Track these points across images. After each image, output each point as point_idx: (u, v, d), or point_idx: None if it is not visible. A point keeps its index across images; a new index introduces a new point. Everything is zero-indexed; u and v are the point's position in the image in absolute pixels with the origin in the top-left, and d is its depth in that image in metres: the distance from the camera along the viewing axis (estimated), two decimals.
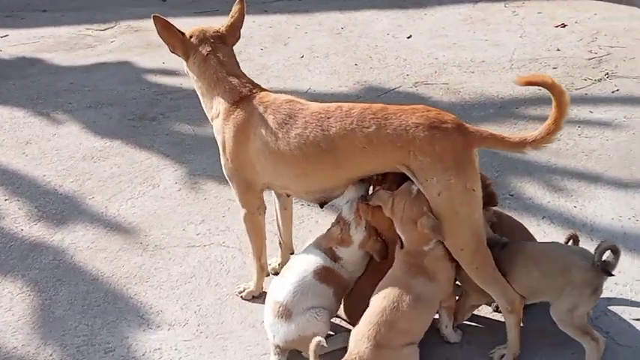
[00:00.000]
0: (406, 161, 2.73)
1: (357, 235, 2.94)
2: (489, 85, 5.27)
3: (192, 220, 3.92)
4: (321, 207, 3.14)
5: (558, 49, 5.74)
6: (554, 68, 5.41)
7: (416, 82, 5.42)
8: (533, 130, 2.68)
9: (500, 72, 5.47)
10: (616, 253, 2.72)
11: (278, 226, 3.43)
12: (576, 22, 6.22)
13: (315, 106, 2.94)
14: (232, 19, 3.17)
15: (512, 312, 2.78)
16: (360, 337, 2.75)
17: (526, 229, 3.20)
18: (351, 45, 6.31)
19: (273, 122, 2.90)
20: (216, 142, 3.11)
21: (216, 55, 3.09)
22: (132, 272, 3.53)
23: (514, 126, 4.62)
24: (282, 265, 3.40)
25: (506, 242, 2.91)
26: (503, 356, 2.85)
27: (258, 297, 3.28)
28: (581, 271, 2.71)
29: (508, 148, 2.75)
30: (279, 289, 2.98)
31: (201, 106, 3.18)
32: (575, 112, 4.65)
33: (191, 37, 3.10)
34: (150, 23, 3.03)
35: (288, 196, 3.32)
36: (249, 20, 4.26)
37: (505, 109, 4.89)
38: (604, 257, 2.69)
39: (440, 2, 7.17)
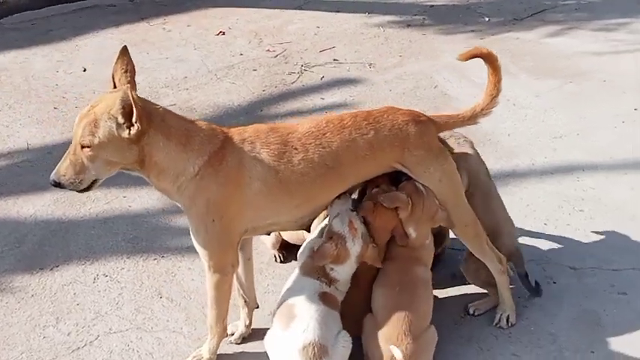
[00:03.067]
0: (401, 159, 2.91)
1: (355, 247, 2.91)
2: (215, 96, 5.41)
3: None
4: (308, 231, 3.06)
5: (241, 54, 6.14)
6: (255, 70, 5.81)
7: None
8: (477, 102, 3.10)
9: (213, 83, 5.63)
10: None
11: (240, 282, 3.17)
12: (230, 29, 6.68)
13: (303, 125, 2.85)
14: (127, 72, 2.73)
15: (503, 273, 3.20)
16: (394, 337, 2.83)
17: None
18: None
19: (269, 156, 2.72)
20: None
21: (166, 110, 2.71)
22: None
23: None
24: (249, 326, 3.20)
25: None
26: (508, 317, 3.23)
27: None
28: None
29: (466, 123, 3.12)
30: (302, 331, 2.78)
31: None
32: (310, 103, 5.26)
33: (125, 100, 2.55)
34: None
35: (268, 234, 3.12)
36: None
37: (249, 113, 5.13)
38: None
39: (75, 33, 6.76)
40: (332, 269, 2.91)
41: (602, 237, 3.80)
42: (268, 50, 6.17)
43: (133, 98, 2.46)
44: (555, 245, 3.76)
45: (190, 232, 2.81)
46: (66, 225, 4.01)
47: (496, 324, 3.23)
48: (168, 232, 3.94)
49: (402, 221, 3.00)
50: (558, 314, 3.30)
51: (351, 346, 2.83)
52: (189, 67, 5.90)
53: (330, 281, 2.94)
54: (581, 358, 3.06)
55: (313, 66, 5.86)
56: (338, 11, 7.06)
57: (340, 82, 5.59)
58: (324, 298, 2.88)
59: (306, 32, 6.55)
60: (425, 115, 3.00)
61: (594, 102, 5.20)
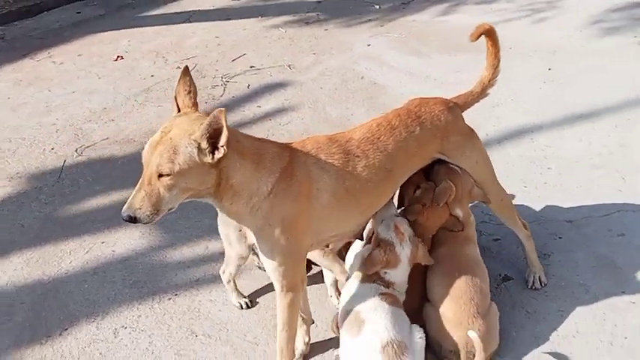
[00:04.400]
0: (441, 148, 2.99)
1: (404, 251, 2.93)
2: (147, 122, 5.21)
3: None
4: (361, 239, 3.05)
5: (152, 75, 5.89)
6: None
7: (77, 148, 4.88)
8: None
9: (137, 109, 5.40)
10: None
11: None
12: (127, 52, 6.38)
13: (356, 132, 2.83)
14: (190, 93, 2.62)
15: (530, 238, 3.36)
16: (466, 322, 2.91)
17: None
18: None
19: (335, 167, 2.69)
20: None
21: (236, 129, 2.61)
22: None
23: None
24: (308, 343, 3.14)
25: None
26: (539, 278, 3.38)
27: None
28: None
29: (480, 98, 3.24)
30: (376, 333, 2.77)
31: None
32: (249, 113, 5.22)
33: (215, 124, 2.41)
34: None
35: (327, 246, 3.05)
36: None
37: None
38: None
39: None
40: (386, 273, 2.92)
41: (578, 188, 4.09)
42: (179, 67, 5.95)
43: (225, 121, 2.32)
44: (544, 204, 3.98)
45: (261, 254, 2.71)
46: (52, 285, 3.68)
47: (531, 286, 3.38)
48: (168, 268, 3.73)
49: (449, 205, 3.06)
50: (578, 265, 3.52)
51: (425, 337, 2.85)
52: (103, 97, 5.58)
53: (387, 284, 2.94)
54: (616, 300, 3.28)
55: (233, 76, 5.75)
56: (228, 19, 6.96)
57: (269, 88, 5.53)
58: (387, 298, 2.88)
59: (208, 44, 6.40)
60: (452, 101, 3.09)
61: (511, 69, 5.52)
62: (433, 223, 3.07)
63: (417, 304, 3.09)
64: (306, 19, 6.81)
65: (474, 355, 2.84)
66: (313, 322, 3.21)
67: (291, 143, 2.77)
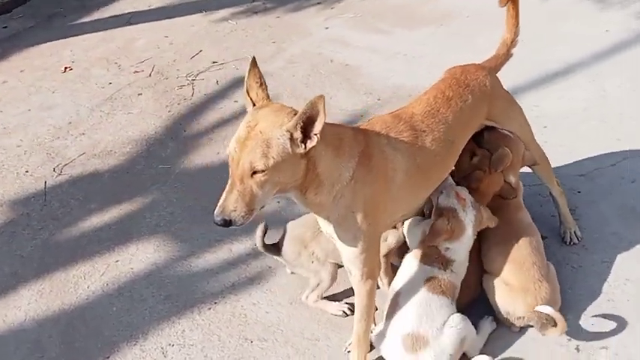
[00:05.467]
0: (489, 114, 3.00)
1: (468, 216, 2.92)
2: (122, 132, 4.94)
3: None
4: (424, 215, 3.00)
5: (110, 83, 5.62)
6: (140, 94, 5.37)
7: (55, 168, 4.58)
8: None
9: (107, 119, 5.12)
10: None
11: None
12: (73, 62, 6.04)
13: (416, 107, 2.78)
14: (262, 85, 2.51)
15: (563, 193, 3.41)
16: (532, 287, 2.94)
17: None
18: None
19: (406, 145, 2.64)
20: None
21: None
22: None
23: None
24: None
25: None
26: (575, 232, 3.44)
27: None
28: None
29: (506, 59, 3.25)
30: (401, 322, 2.80)
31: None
32: (227, 109, 5.05)
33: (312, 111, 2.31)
34: None
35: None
36: None
37: (175, 138, 4.79)
38: None
39: None
40: (447, 249, 2.89)
41: (578, 142, 4.19)
42: (136, 72, 5.70)
43: (324, 108, 2.21)
44: (552, 162, 4.03)
45: (342, 243, 2.62)
46: (76, 313, 3.46)
47: (569, 242, 3.44)
48: (197, 278, 3.58)
49: (503, 172, 3.06)
50: (604, 216, 3.61)
51: (465, 328, 2.82)
52: (64, 111, 5.26)
53: (446, 264, 2.90)
54: None
55: (198, 74, 5.55)
56: (171, 17, 6.70)
57: (239, 82, 5.34)
58: (431, 286, 2.86)
59: (159, 45, 6.15)
60: (488, 66, 3.08)
61: (473, 37, 5.60)
62: (490, 190, 3.07)
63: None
64: (253, 9, 6.65)
65: (546, 319, 2.85)
66: (377, 309, 3.12)
67: (360, 125, 2.69)
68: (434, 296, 2.85)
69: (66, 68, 5.89)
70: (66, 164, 4.59)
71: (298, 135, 2.27)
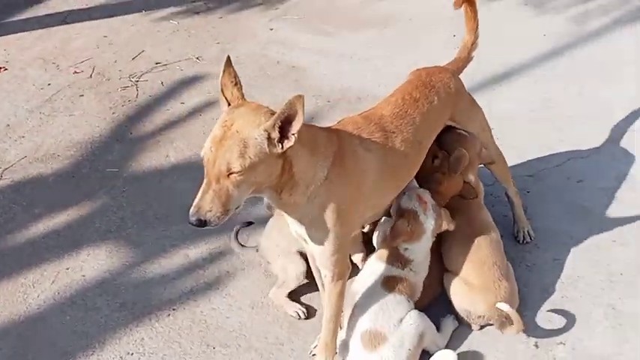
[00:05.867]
0: (452, 115, 3.06)
1: (428, 220, 2.97)
2: (65, 134, 4.78)
3: None
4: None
5: (49, 84, 5.42)
6: (82, 96, 5.22)
7: None
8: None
9: (48, 122, 4.94)
10: None
11: (323, 285, 3.00)
12: (7, 62, 5.81)
13: (385, 108, 2.82)
14: (237, 84, 2.49)
15: (517, 194, 3.51)
16: (492, 285, 3.00)
17: None
18: None
19: (377, 145, 2.67)
20: None
21: None
22: None
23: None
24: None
25: None
26: (528, 231, 3.53)
27: None
28: None
29: (468, 62, 3.30)
30: (360, 319, 2.85)
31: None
32: (174, 111, 4.97)
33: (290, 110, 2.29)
34: None
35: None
36: None
37: (121, 140, 4.67)
38: None
39: None
40: (406, 249, 2.93)
41: (524, 143, 4.30)
42: (76, 72, 5.53)
43: (303, 108, 2.19)
44: None
45: (314, 244, 2.62)
46: (27, 324, 3.33)
47: (522, 241, 3.53)
48: (153, 284, 3.51)
49: (462, 172, 3.11)
50: (554, 215, 3.73)
51: (422, 324, 2.87)
52: (2, 113, 5.05)
53: (404, 263, 2.94)
54: (599, 241, 3.53)
55: (141, 75, 5.43)
56: (110, 16, 6.52)
57: (185, 83, 5.29)
58: (388, 284, 2.90)
59: (98, 44, 5.98)
60: (451, 68, 3.13)
61: (419, 38, 5.70)
62: (450, 192, 3.11)
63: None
64: (194, 9, 6.55)
65: (505, 317, 2.92)
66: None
67: (332, 126, 2.69)
68: (390, 294, 2.89)
69: (0, 68, 5.65)
70: (6, 168, 4.41)
71: (276, 135, 2.25)
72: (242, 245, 3.48)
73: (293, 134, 2.26)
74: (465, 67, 3.30)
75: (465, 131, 3.13)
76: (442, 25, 5.89)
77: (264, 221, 3.46)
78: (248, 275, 3.48)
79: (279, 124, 2.25)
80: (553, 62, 5.22)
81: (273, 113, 2.30)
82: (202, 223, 2.26)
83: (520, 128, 4.45)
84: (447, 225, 3.00)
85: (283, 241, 3.18)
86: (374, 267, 2.97)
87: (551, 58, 5.25)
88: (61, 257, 3.68)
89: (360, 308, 2.87)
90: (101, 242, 3.77)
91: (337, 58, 5.51)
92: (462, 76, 4.60)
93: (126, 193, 4.14)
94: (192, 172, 4.26)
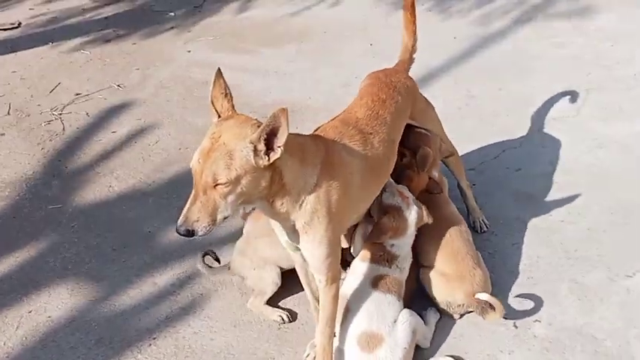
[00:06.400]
0: (411, 113, 3.19)
1: (412, 214, 3.06)
2: None
3: None
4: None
5: None
6: (2, 135, 5.00)
7: None
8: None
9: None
10: None
11: (312, 291, 3.07)
12: None
13: (359, 111, 2.89)
14: (227, 96, 2.51)
15: (470, 186, 3.68)
16: (467, 274, 3.15)
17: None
18: None
19: (358, 148, 2.75)
20: None
21: None
22: None
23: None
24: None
25: None
26: (483, 220, 3.71)
27: None
28: None
29: (410, 65, 3.46)
30: (353, 323, 2.90)
31: None
32: (105, 141, 4.86)
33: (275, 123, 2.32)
34: None
35: None
36: None
37: (58, 175, 4.52)
38: None
39: None
40: (392, 245, 3.02)
41: (460, 139, 4.46)
42: None
43: (287, 120, 2.23)
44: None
45: (307, 250, 2.66)
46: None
47: (480, 230, 3.72)
48: (127, 315, 3.42)
49: (427, 169, 3.24)
50: (502, 203, 3.94)
51: (414, 321, 2.96)
52: None
53: (391, 260, 3.03)
54: (549, 223, 3.76)
55: (64, 107, 5.27)
56: (14, 51, 6.28)
57: (112, 112, 5.18)
58: (378, 283, 2.98)
59: (9, 81, 5.75)
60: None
61: (337, 49, 5.87)
62: (419, 188, 3.23)
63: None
64: (104, 37, 6.41)
65: (484, 304, 3.06)
66: None
67: (314, 133, 2.75)
68: (382, 294, 2.96)
69: None
70: None
71: (262, 147, 2.29)
72: (210, 267, 3.45)
73: (279, 146, 2.30)
74: (409, 68, 3.45)
75: (424, 129, 3.26)
76: (356, 36, 6.09)
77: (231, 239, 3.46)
78: (222, 295, 3.46)
79: (265, 136, 2.28)
80: (468, 62, 5.50)
81: (260, 125, 2.33)
82: (190, 233, 2.29)
83: (452, 126, 4.58)
84: (427, 218, 3.11)
85: (255, 255, 3.22)
86: (360, 269, 3.03)
87: (466, 59, 5.53)
88: (21, 301, 3.52)
89: (352, 312, 2.91)
90: (60, 281, 3.63)
91: (262, 74, 5.57)
92: None
93: (75, 228, 4.01)
94: (139, 199, 4.20)
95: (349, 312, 2.93)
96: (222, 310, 3.38)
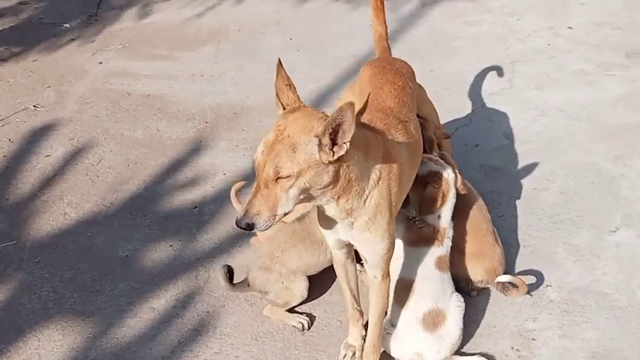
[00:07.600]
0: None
1: (450, 173, 3.06)
2: None
3: None
4: None
5: None
6: None
7: None
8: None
9: None
10: None
11: (353, 294, 2.97)
12: None
13: (387, 100, 2.89)
14: (291, 86, 2.38)
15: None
16: (488, 250, 3.23)
17: None
18: None
19: (403, 137, 2.74)
20: None
21: None
22: None
23: None
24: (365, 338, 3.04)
25: None
26: None
27: None
28: None
29: (389, 50, 3.50)
30: (420, 302, 2.93)
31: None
32: (40, 167, 4.50)
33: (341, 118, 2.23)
34: None
35: None
36: None
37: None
38: None
39: None
40: (439, 217, 3.02)
41: None
42: None
43: (353, 116, 2.16)
44: None
45: (367, 245, 2.61)
46: None
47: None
48: (133, 346, 3.21)
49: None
50: (473, 179, 3.88)
51: (464, 305, 3.02)
52: None
53: (443, 236, 3.02)
54: (521, 192, 3.93)
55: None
56: None
57: (37, 135, 4.78)
58: (439, 264, 3.00)
59: None
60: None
61: (257, 46, 5.76)
62: None
63: None
64: None
65: (508, 284, 3.14)
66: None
67: (369, 125, 2.65)
68: (442, 273, 2.99)
69: None
70: None
71: (327, 142, 2.21)
72: (233, 284, 3.26)
73: (345, 142, 2.23)
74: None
75: (420, 116, 3.29)
76: (271, 31, 6.02)
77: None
78: (231, 310, 3.32)
79: (330, 130, 2.21)
80: (393, 48, 5.55)
81: (327, 119, 2.25)
82: (250, 226, 2.22)
83: None
84: (460, 181, 3.10)
85: (284, 268, 3.11)
86: (414, 251, 2.99)
87: (396, 45, 5.59)
88: (7, 353, 3.18)
89: (416, 293, 2.90)
90: (45, 322, 3.32)
91: (189, 79, 5.36)
92: (315, 80, 4.78)
93: (41, 263, 3.68)
94: (102, 223, 3.94)
95: (415, 292, 2.91)
96: (237, 325, 3.24)
